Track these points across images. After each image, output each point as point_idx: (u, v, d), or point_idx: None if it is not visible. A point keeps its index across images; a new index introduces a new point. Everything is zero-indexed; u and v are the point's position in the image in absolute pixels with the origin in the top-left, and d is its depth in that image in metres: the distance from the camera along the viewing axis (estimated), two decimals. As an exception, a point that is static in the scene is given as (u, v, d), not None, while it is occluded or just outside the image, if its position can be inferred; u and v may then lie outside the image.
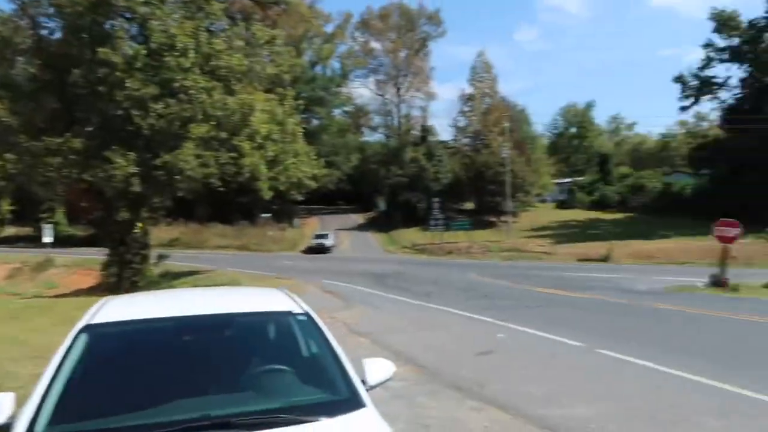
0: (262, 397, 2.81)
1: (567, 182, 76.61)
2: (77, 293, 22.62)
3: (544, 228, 53.11)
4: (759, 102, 51.92)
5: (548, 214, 62.28)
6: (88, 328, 3.03)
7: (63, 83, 18.19)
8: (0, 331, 11.17)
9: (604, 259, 35.40)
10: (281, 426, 2.45)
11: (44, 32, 19.36)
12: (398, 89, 73.33)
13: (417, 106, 74.97)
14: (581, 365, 8.21)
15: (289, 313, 3.38)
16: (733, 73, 77.11)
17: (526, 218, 58.65)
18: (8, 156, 18.40)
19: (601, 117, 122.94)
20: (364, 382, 2.99)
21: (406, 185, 60.17)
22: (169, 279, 23.19)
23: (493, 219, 57.94)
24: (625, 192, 64.79)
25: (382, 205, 67.96)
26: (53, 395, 2.57)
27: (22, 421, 2.41)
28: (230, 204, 51.44)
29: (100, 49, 16.84)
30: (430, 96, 74.57)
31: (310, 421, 2.51)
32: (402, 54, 71.89)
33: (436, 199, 49.80)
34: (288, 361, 3.08)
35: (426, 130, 69.43)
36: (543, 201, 71.57)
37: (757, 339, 10.23)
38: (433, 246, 45.73)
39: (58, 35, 19.29)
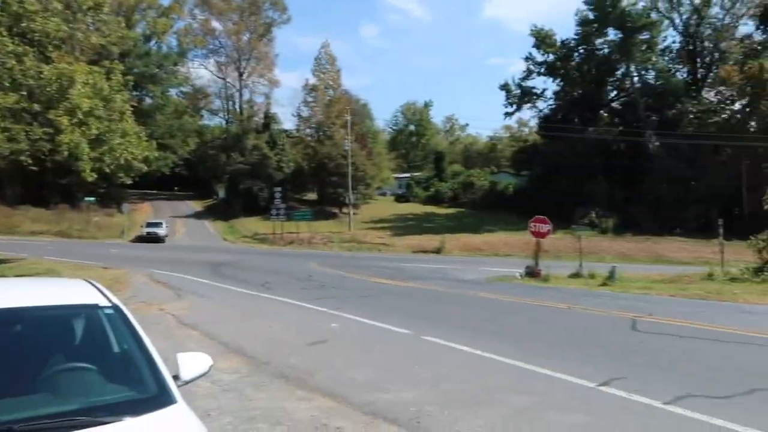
0: (59, 398, 2.53)
1: (405, 177, 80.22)
2: None
3: (383, 220, 55.05)
4: (569, 114, 58.74)
5: (387, 207, 64.68)
6: None
7: None
8: None
9: (437, 251, 37.62)
10: (78, 429, 2.23)
11: None
12: (240, 73, 71.03)
13: (260, 92, 73.37)
14: (408, 352, 8.62)
15: (96, 306, 3.08)
16: (548, 85, 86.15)
17: (367, 210, 60.31)
18: None
19: (438, 116, 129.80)
20: (177, 377, 2.84)
21: (247, 173, 58.59)
22: (-32, 268, 20.21)
23: (335, 210, 58.89)
24: (457, 188, 69.53)
25: (221, 192, 65.55)
26: None
27: None
28: (47, 185, 46.21)
29: None
30: (274, 83, 73.21)
31: (112, 422, 2.31)
32: (245, 37, 69.63)
33: (278, 189, 49.18)
34: (92, 358, 2.81)
35: (269, 118, 68.10)
36: (383, 194, 74.12)
37: (559, 323, 11.55)
38: (274, 236, 45.14)
39: None
